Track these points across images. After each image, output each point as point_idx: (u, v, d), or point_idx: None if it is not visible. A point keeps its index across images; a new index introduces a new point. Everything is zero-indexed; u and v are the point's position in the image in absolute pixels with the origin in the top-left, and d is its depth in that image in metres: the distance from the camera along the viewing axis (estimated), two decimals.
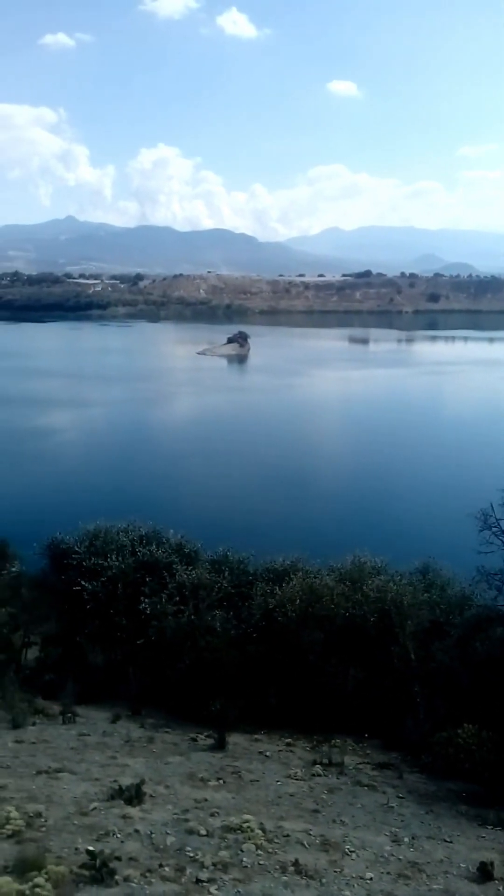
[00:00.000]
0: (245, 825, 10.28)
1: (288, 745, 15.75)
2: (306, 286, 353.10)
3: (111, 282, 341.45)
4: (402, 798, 12.71)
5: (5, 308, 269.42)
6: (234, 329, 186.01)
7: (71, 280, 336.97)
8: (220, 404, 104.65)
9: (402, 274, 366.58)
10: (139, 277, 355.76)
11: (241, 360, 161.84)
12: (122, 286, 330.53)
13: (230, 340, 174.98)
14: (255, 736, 16.22)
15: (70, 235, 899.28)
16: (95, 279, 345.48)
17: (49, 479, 59.07)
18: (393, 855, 10.14)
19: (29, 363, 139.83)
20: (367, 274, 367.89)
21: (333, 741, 15.37)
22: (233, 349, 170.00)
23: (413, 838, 10.81)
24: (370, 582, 19.00)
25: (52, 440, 76.00)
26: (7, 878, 7.48)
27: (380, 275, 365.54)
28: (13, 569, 28.55)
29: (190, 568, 21.03)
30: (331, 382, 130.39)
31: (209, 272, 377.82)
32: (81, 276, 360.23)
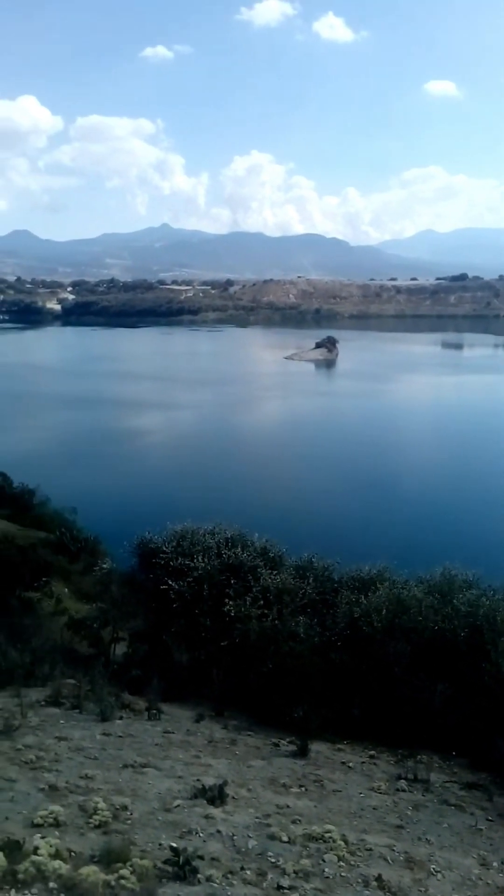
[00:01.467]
0: (327, 835, 10.16)
1: (371, 757, 15.46)
2: (398, 290, 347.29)
3: (202, 287, 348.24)
4: (491, 821, 12.21)
5: (101, 314, 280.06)
6: (322, 334, 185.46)
7: (164, 286, 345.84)
8: (306, 409, 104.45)
9: (501, 277, 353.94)
10: (229, 283, 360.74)
11: (329, 364, 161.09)
12: (213, 292, 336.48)
13: (318, 345, 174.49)
14: (338, 746, 16.02)
15: (164, 243, 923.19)
16: (187, 285, 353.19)
17: (138, 479, 60.76)
18: (481, 879, 9.75)
19: (122, 367, 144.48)
20: (463, 277, 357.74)
21: (419, 757, 14.95)
22: (321, 354, 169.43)
23: (503, 863, 10.37)
24: (461, 596, 18.38)
25: (142, 441, 78.17)
26: (94, 868, 7.68)
27: (476, 278, 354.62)
28: (104, 565, 29.59)
29: (274, 572, 21.06)
30: (422, 388, 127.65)
31: (299, 277, 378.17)
32: (174, 282, 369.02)
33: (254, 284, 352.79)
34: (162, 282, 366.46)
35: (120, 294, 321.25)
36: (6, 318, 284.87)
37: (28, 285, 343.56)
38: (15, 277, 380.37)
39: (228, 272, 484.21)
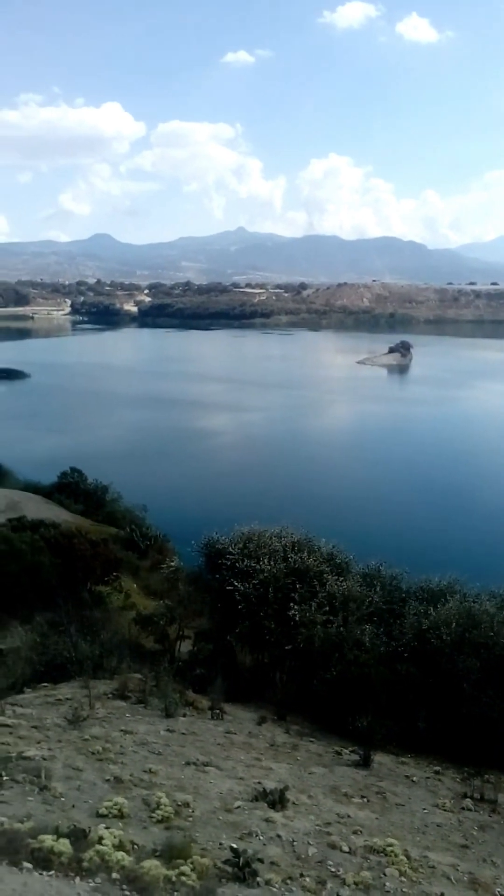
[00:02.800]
0: (389, 849, 10.00)
1: (436, 773, 15.11)
2: (477, 294, 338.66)
3: (275, 291, 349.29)
4: None
5: (176, 316, 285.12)
6: (396, 338, 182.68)
7: (237, 289, 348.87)
8: (377, 414, 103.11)
9: None
10: (303, 286, 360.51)
11: (402, 370, 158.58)
12: (286, 295, 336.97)
13: (392, 350, 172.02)
14: (402, 759, 15.73)
15: (239, 246, 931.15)
16: (261, 288, 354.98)
17: (206, 479, 61.43)
18: None
19: (194, 368, 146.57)
20: None
21: (486, 776, 14.50)
22: (394, 359, 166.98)
23: None
24: None
25: (211, 442, 79.02)
26: (155, 862, 7.81)
27: None
28: (172, 564, 30.07)
29: (341, 579, 20.88)
30: (499, 396, 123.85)
31: (374, 281, 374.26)
32: (248, 285, 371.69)
33: (327, 288, 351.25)
34: (236, 285, 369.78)
35: (194, 297, 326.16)
36: (86, 319, 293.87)
37: (107, 287, 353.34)
38: (95, 280, 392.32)
39: (302, 276, 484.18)
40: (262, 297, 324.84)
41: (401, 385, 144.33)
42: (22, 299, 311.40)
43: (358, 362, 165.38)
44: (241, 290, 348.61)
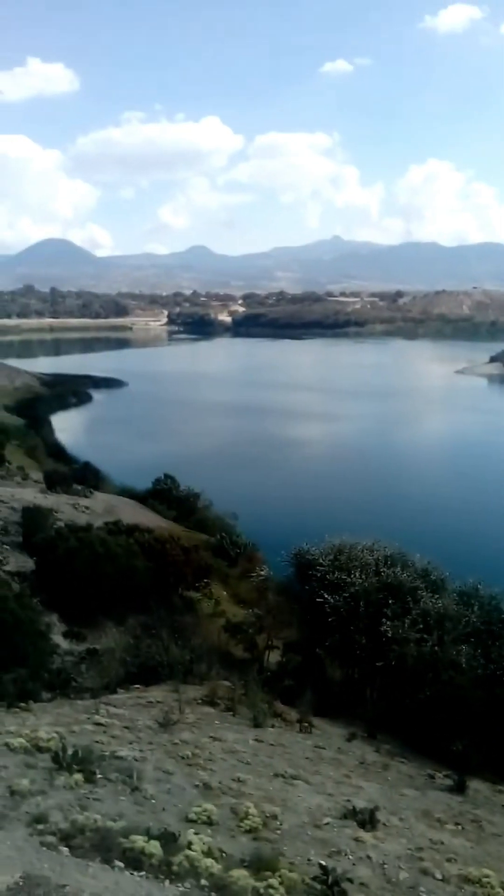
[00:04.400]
0: (485, 879, 9.54)
1: None
2: None
3: (370, 299, 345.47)
4: None
5: (269, 325, 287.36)
6: (498, 347, 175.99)
7: (331, 298, 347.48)
8: (475, 426, 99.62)
9: None
10: (399, 294, 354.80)
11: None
12: (381, 303, 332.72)
13: (493, 359, 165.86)
14: (500, 787, 15.03)
15: (334, 255, 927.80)
16: (355, 297, 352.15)
17: (296, 489, 61.24)
18: None
19: (285, 377, 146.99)
20: None
21: None
22: (496, 368, 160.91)
23: None
24: None
25: (301, 451, 78.81)
26: (244, 872, 7.77)
27: None
28: (262, 573, 30.17)
29: (436, 596, 20.30)
30: None
31: (474, 288, 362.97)
32: (342, 294, 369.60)
33: (425, 296, 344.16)
34: (330, 293, 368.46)
35: (287, 306, 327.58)
36: (181, 329, 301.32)
37: (202, 298, 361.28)
38: (191, 291, 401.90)
39: (399, 283, 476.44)
40: (356, 306, 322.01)
41: (502, 396, 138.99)
42: (122, 310, 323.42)
43: (456, 372, 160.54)
44: (335, 298, 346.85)
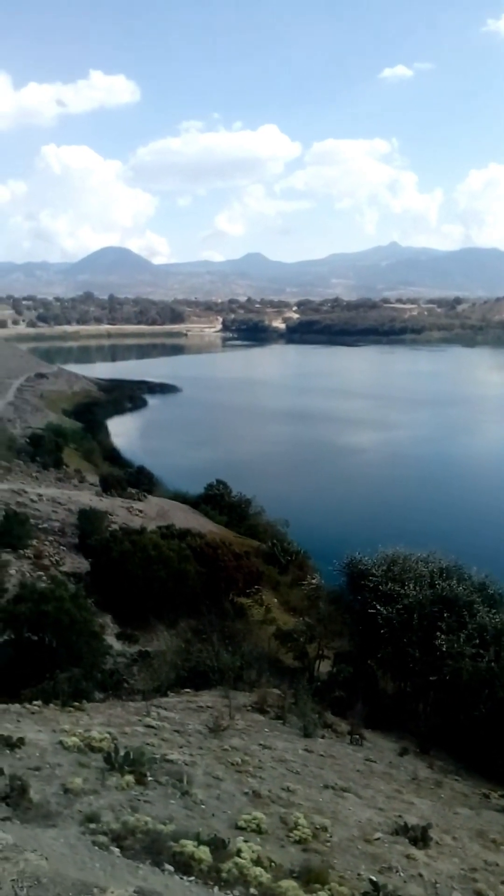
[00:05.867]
0: None
1: None
2: None
3: (428, 306, 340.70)
4: None
5: (323, 332, 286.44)
6: None
7: (387, 305, 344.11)
8: None
9: None
10: (457, 301, 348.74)
11: None
12: (439, 310, 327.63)
13: None
14: None
15: (391, 261, 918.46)
16: (412, 304, 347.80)
17: (348, 497, 60.68)
18: None
19: (339, 384, 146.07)
20: None
21: None
22: None
23: None
24: None
25: (354, 459, 78.07)
26: (293, 883, 7.69)
27: None
28: (313, 581, 30.01)
29: (493, 611, 19.75)
30: None
31: None
32: (398, 300, 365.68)
33: (485, 302, 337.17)
34: (386, 300, 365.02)
35: (342, 313, 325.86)
36: (235, 336, 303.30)
37: (257, 305, 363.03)
38: (246, 298, 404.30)
39: (458, 290, 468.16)
40: (412, 313, 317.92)
41: None
42: (177, 317, 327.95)
43: None
44: (391, 305, 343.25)
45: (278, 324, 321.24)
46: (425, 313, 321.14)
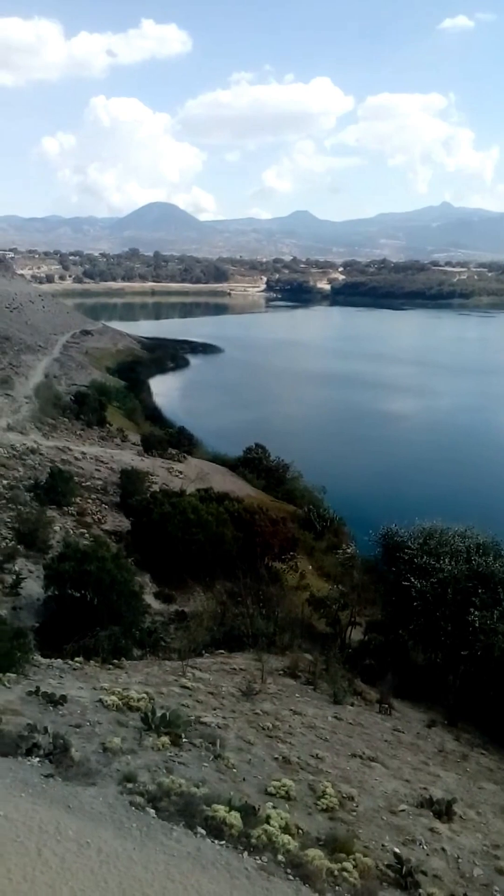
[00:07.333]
0: None
1: None
2: None
3: (478, 270, 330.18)
4: None
5: (368, 295, 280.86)
6: None
7: (436, 267, 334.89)
8: None
9: None
10: None
11: None
12: (490, 274, 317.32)
13: None
14: None
15: (442, 222, 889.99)
16: (462, 267, 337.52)
17: (386, 466, 60.20)
18: None
19: (382, 348, 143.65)
20: None
21: None
22: None
23: None
24: None
25: (395, 427, 77.17)
26: (319, 852, 7.98)
27: None
28: (348, 549, 30.16)
29: None
30: None
31: None
32: (447, 263, 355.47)
33: None
34: (435, 263, 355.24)
35: (389, 275, 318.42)
36: (279, 296, 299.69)
37: (302, 265, 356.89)
38: (291, 257, 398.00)
39: None
40: (462, 276, 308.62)
41: None
42: (221, 276, 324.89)
43: None
44: (440, 268, 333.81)
45: (323, 285, 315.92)
46: (475, 277, 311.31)
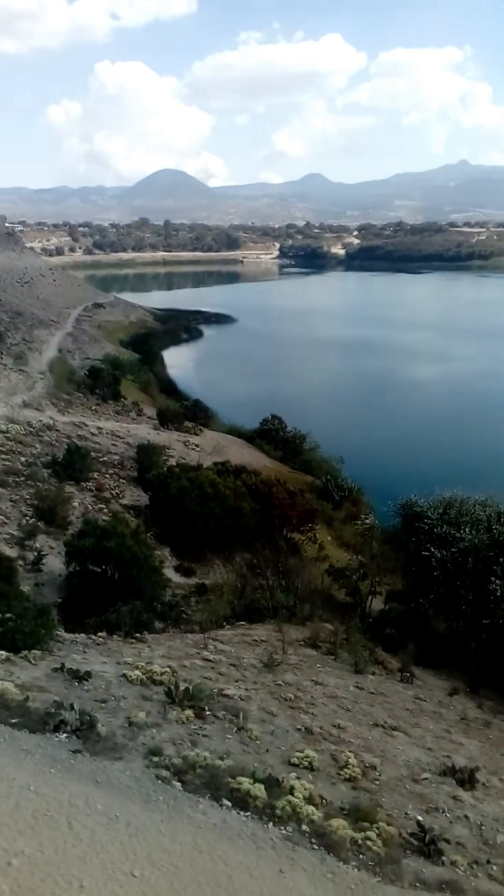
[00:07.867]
0: None
1: None
2: None
3: (498, 230, 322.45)
4: None
5: (384, 259, 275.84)
6: None
7: (454, 228, 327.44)
8: None
9: None
10: None
11: None
12: None
13: None
14: None
15: (460, 181, 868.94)
16: (481, 227, 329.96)
17: (406, 434, 59.80)
18: None
19: (399, 314, 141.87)
20: None
21: None
22: None
23: None
24: None
25: (413, 394, 76.47)
26: (343, 822, 8.12)
27: None
28: (367, 520, 30.17)
29: None
30: None
31: None
32: (466, 224, 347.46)
33: None
34: (453, 224, 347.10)
35: (406, 237, 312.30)
36: (293, 263, 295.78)
37: (315, 230, 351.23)
38: (304, 222, 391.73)
39: None
40: (481, 237, 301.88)
41: None
42: (233, 243, 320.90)
43: None
44: (458, 229, 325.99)
45: (337, 250, 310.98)
46: (495, 237, 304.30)
